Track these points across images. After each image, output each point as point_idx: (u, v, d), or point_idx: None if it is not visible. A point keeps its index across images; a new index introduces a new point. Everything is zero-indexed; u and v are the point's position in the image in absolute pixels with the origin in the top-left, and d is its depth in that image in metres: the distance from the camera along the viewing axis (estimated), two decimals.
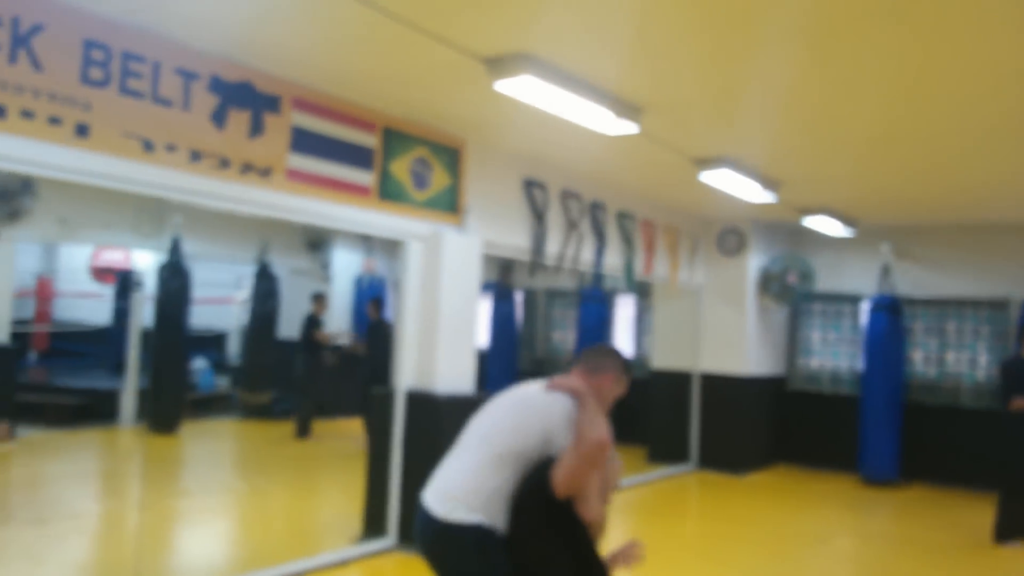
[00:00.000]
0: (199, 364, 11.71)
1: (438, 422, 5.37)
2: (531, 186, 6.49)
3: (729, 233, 9.14)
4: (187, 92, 4.09)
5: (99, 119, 3.69)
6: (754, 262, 9.08)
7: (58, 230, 8.40)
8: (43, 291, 12.80)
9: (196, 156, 4.16)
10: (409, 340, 5.59)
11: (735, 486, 8.19)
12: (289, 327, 10.76)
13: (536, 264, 6.56)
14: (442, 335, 5.57)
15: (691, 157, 6.12)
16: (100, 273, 12.99)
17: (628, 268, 7.69)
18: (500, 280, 11.02)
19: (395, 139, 5.40)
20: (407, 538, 5.34)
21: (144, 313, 9.88)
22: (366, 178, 5.20)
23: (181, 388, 9.67)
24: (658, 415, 9.37)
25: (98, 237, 9.65)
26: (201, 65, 4.16)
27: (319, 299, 9.91)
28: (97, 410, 9.86)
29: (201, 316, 13.51)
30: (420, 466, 5.34)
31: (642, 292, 10.42)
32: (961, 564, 5.83)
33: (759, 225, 9.10)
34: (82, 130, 3.63)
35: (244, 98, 4.40)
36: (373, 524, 5.54)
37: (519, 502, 2.63)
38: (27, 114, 3.41)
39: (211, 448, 9.47)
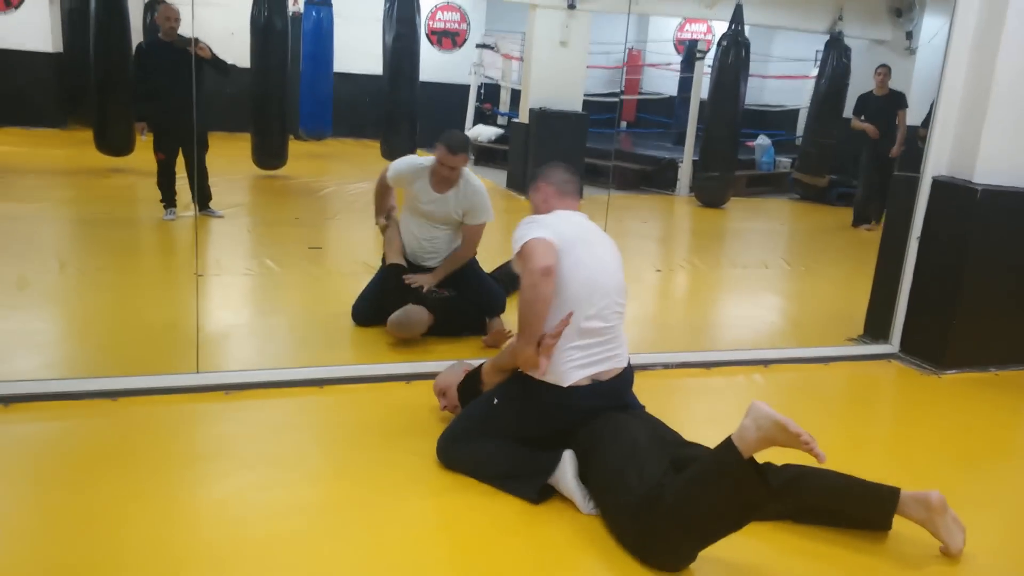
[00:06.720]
0: (762, 141, 11.48)
1: (972, 220, 4.35)
2: None
3: None
4: None
5: None
6: None
7: (626, 1, 8.73)
8: (633, 63, 13.78)
9: None
10: (945, 115, 4.46)
11: None
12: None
13: None
14: (994, 108, 4.29)
15: None
16: (682, 45, 13.39)
17: None
18: None
19: None
20: (912, 347, 4.66)
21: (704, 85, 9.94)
22: None
23: (730, 163, 9.65)
24: None
25: (661, 7, 9.78)
26: None
27: (880, 72, 8.55)
28: (657, 177, 10.55)
29: (776, 92, 13.11)
30: (934, 272, 4.54)
31: None
32: None
33: None
34: None
35: None
36: (875, 326, 4.91)
37: None
38: None
39: (750, 226, 9.39)
